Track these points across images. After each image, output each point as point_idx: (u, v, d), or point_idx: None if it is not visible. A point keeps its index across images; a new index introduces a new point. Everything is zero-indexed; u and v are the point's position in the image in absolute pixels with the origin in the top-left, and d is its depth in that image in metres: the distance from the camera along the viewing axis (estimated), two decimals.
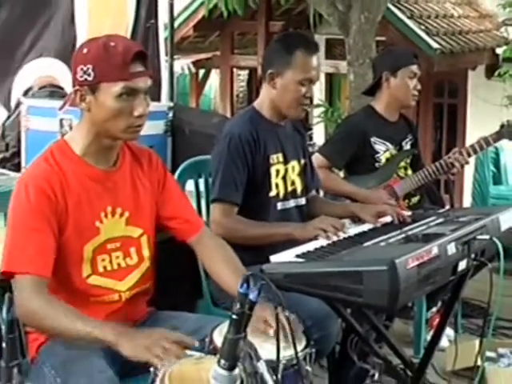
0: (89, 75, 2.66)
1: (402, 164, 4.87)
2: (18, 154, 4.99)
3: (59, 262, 2.73)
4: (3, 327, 1.87)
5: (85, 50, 2.71)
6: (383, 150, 4.74)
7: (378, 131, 4.73)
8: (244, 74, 17.65)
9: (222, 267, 2.97)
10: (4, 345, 1.86)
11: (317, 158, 4.57)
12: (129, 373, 2.67)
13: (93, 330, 2.51)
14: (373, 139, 4.71)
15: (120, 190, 2.87)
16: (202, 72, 16.06)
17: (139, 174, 2.94)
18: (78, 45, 5.47)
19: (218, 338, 2.66)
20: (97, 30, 5.39)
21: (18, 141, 4.95)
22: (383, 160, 4.76)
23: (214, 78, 16.78)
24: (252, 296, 2.13)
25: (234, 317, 2.12)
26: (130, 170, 2.92)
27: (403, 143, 4.86)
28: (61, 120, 4.56)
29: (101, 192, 2.81)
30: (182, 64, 14.07)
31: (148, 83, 2.74)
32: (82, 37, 5.69)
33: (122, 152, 2.91)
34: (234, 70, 15.10)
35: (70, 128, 4.51)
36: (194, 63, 14.79)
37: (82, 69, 2.67)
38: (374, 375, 3.84)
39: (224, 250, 3.05)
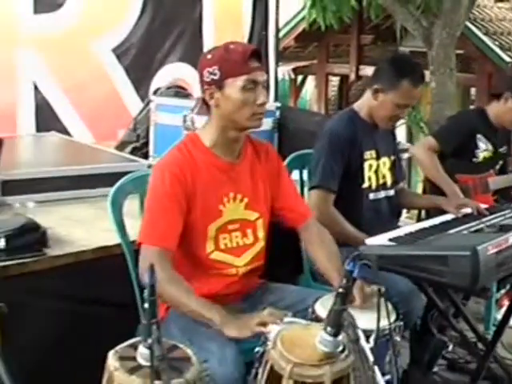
0: (215, 75, 2.70)
1: (497, 166, 4.80)
2: (146, 144, 5.05)
3: (186, 238, 2.76)
4: (146, 290, 1.89)
5: (209, 56, 2.77)
6: (484, 148, 4.64)
7: (484, 131, 4.62)
8: (336, 79, 17.55)
9: (322, 254, 2.96)
10: (146, 305, 1.88)
11: (429, 141, 4.54)
12: None
13: (203, 311, 2.53)
14: (479, 136, 4.61)
15: (241, 179, 2.89)
16: (299, 78, 16.08)
17: (258, 165, 2.95)
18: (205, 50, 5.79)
19: (320, 308, 2.68)
20: (220, 40, 5.43)
21: (147, 133, 5.01)
22: (481, 157, 4.65)
23: (309, 83, 16.77)
24: (355, 273, 2.14)
25: (341, 290, 2.12)
26: (251, 162, 2.93)
27: (500, 150, 4.77)
28: (184, 116, 4.60)
29: (225, 180, 2.84)
30: (284, 70, 14.09)
31: (264, 77, 2.78)
32: (208, 46, 5.73)
33: (245, 146, 2.93)
34: (329, 76, 15.06)
35: (192, 123, 4.55)
36: (294, 70, 14.82)
37: (208, 71, 2.72)
38: (449, 347, 3.82)
39: (325, 238, 3.02)
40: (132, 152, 4.98)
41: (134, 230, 2.96)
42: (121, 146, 5.13)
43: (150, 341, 1.90)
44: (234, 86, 2.70)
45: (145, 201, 2.82)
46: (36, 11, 5.11)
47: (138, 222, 2.93)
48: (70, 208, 3.69)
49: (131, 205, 3.10)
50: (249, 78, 2.69)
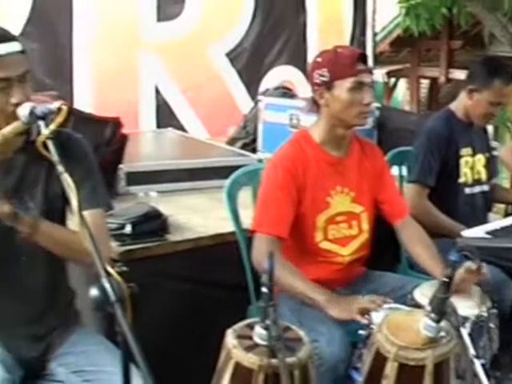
0: (325, 77, 2.70)
1: None
2: (254, 140, 5.06)
3: (296, 228, 2.76)
4: (264, 275, 1.89)
5: (319, 59, 2.77)
6: None
7: None
8: (426, 82, 17.27)
9: (419, 249, 2.90)
10: (264, 289, 1.88)
11: None
12: None
13: (308, 291, 2.55)
14: None
15: (348, 173, 2.87)
16: (392, 80, 15.92)
17: (364, 161, 2.92)
18: (307, 57, 5.84)
19: (419, 295, 2.63)
20: (323, 45, 5.43)
21: (256, 130, 5.02)
22: None
23: (401, 85, 16.57)
24: (458, 264, 2.10)
25: (445, 279, 2.08)
26: (358, 158, 2.91)
27: None
28: (290, 115, 4.58)
29: (333, 174, 2.83)
30: (378, 74, 13.96)
31: (370, 78, 2.77)
32: (312, 51, 5.87)
33: (352, 143, 2.90)
34: (420, 79, 14.85)
35: (297, 121, 4.53)
36: (387, 73, 14.67)
37: (318, 73, 2.72)
38: None
39: (421, 235, 2.96)
40: (242, 147, 4.99)
41: (246, 219, 2.99)
42: (231, 142, 5.15)
43: (267, 322, 1.90)
44: (343, 87, 2.69)
45: (257, 192, 2.84)
46: (159, 19, 5.21)
47: (250, 212, 2.96)
48: (187, 198, 3.72)
49: (244, 196, 3.11)
50: (356, 80, 2.69)
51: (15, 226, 2.03)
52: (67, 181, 1.80)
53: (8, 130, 2.04)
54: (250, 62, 5.66)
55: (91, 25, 4.87)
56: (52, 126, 1.92)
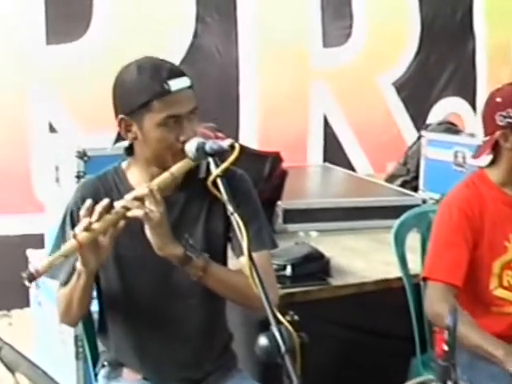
0: (510, 118, 2.52)
1: None
2: (416, 178, 4.91)
3: (469, 274, 2.58)
4: (447, 331, 1.73)
5: (499, 99, 2.58)
6: None
7: None
8: None
9: None
10: (446, 347, 1.73)
11: None
12: None
13: (485, 344, 2.38)
14: None
15: None
16: None
17: None
18: (477, 88, 5.66)
19: None
20: (493, 74, 5.39)
21: (417, 167, 4.87)
22: None
23: None
24: None
25: None
26: None
27: None
28: (455, 152, 4.42)
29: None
30: None
31: None
32: (481, 82, 5.72)
33: None
34: None
35: (463, 160, 4.34)
36: None
37: (502, 115, 2.53)
38: None
39: None
40: (401, 185, 4.84)
41: (413, 263, 2.87)
42: (390, 179, 5.00)
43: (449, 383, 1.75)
44: None
45: (426, 236, 2.72)
46: (325, 45, 5.25)
47: (417, 257, 2.85)
48: (347, 238, 3.61)
49: (411, 239, 2.96)
50: None
51: (185, 268, 2.02)
52: (237, 221, 1.78)
53: (178, 168, 2.01)
54: (416, 93, 5.58)
55: (257, 53, 4.95)
56: (224, 165, 1.90)
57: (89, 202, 1.91)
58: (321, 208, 3.78)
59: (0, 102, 4.51)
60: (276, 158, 3.65)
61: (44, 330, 3.54)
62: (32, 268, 1.81)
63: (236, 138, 4.44)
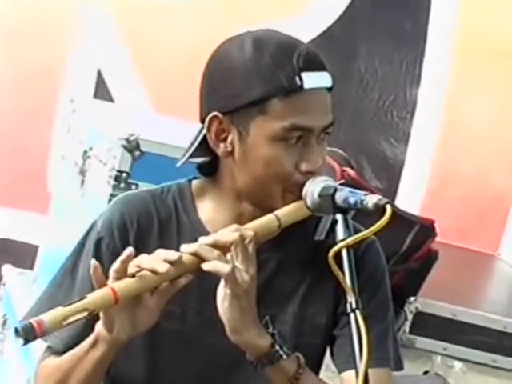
0: None
1: None
2: None
3: None
4: None
5: None
6: None
7: None
8: None
9: None
10: None
11: None
12: None
13: None
14: None
15: None
16: None
17: None
18: None
19: None
20: None
21: None
22: None
23: None
24: None
25: None
26: None
27: None
28: None
29: None
30: None
31: None
32: None
33: None
34: None
35: None
36: None
37: None
38: None
39: None
40: None
41: None
42: None
43: None
44: None
45: None
46: None
47: None
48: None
49: None
50: None
51: (266, 369, 1.54)
52: (358, 321, 1.37)
53: (286, 213, 1.55)
54: None
55: None
56: (364, 234, 1.43)
57: (129, 250, 1.46)
58: (479, 326, 2.91)
59: None
60: (427, 229, 2.88)
61: None
62: (33, 320, 1.34)
63: None
